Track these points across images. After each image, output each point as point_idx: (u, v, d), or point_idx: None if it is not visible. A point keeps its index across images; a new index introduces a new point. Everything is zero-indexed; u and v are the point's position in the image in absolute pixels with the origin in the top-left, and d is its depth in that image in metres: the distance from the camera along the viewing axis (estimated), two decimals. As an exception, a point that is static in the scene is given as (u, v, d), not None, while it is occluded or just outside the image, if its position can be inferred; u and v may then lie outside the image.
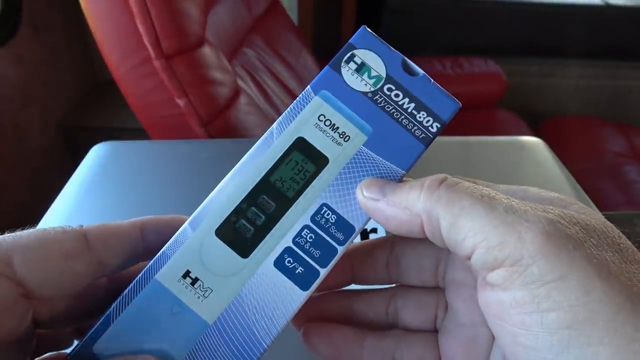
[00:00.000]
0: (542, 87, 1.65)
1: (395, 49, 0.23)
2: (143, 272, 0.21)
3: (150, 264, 0.21)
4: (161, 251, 0.21)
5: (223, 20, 0.92)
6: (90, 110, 1.43)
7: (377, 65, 0.22)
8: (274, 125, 0.22)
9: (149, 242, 0.22)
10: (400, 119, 0.22)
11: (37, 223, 0.50)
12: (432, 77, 0.23)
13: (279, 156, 0.22)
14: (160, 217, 0.22)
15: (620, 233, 0.18)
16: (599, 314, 0.16)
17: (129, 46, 0.72)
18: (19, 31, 1.19)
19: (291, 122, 0.22)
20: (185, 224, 0.21)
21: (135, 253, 0.21)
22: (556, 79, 1.64)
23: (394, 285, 0.25)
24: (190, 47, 0.75)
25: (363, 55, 0.23)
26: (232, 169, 0.22)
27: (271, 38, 1.09)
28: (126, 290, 0.21)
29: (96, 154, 0.60)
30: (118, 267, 0.21)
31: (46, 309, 0.21)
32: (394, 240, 0.24)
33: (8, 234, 0.19)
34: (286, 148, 0.22)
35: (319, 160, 0.22)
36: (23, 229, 0.20)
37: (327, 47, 1.51)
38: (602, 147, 1.34)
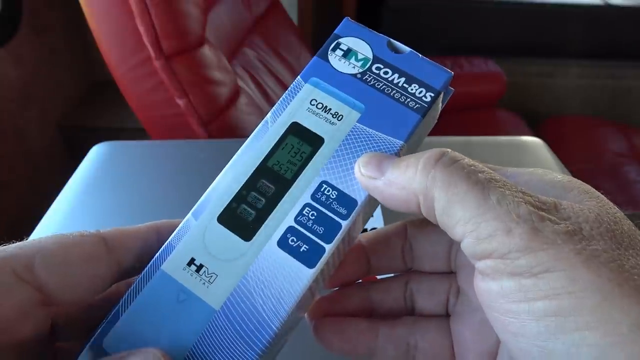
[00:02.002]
0: (542, 87, 1.65)
1: None
2: (149, 264, 0.21)
3: (156, 256, 0.21)
4: (166, 242, 0.21)
5: (223, 20, 0.92)
6: (90, 110, 1.43)
7: (363, 49, 0.23)
8: (268, 114, 0.23)
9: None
10: (392, 94, 0.22)
11: (37, 223, 0.50)
12: None
13: (274, 142, 0.22)
14: (176, 221, 0.22)
15: (617, 217, 0.18)
16: (585, 301, 0.16)
17: (128, 46, 0.72)
18: (19, 31, 1.19)
19: (284, 109, 0.23)
20: (189, 215, 0.22)
21: (153, 255, 0.21)
22: (556, 79, 1.64)
23: (407, 270, 0.25)
24: (190, 47, 0.75)
25: (348, 42, 0.23)
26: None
27: (271, 38, 1.09)
28: (134, 284, 0.21)
29: (96, 154, 0.60)
30: (136, 269, 0.21)
31: (66, 317, 0.20)
32: (406, 227, 0.24)
33: (28, 240, 0.19)
34: (281, 134, 0.22)
35: (315, 141, 0.22)
36: (22, 238, 0.20)
37: (327, 47, 1.50)
38: (602, 147, 1.34)
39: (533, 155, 0.63)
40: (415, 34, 1.62)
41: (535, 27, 1.63)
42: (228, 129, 0.79)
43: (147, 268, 0.21)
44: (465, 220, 0.18)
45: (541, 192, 0.19)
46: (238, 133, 0.79)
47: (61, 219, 0.50)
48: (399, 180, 0.19)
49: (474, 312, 0.23)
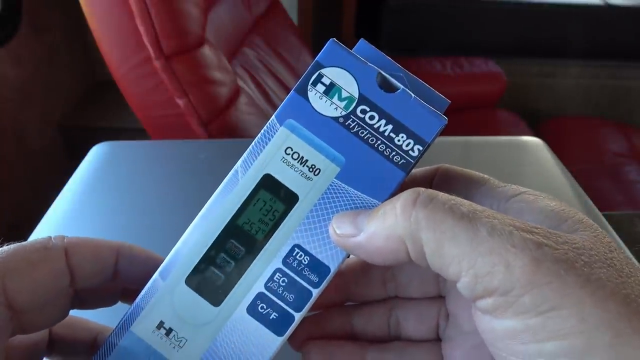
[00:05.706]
0: (542, 87, 1.65)
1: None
2: (119, 324, 0.21)
3: (125, 315, 0.21)
4: (135, 303, 0.21)
5: (223, 20, 0.92)
6: (90, 111, 1.43)
7: (349, 84, 0.20)
8: (238, 163, 0.21)
9: (119, 267, 0.22)
10: (376, 145, 0.20)
11: (37, 223, 0.50)
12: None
13: (245, 197, 0.21)
14: (137, 249, 0.22)
15: (612, 246, 0.18)
16: (597, 340, 0.15)
17: (129, 46, 0.72)
18: (19, 31, 1.19)
19: (256, 158, 0.21)
20: (156, 275, 0.21)
21: (105, 276, 0.21)
22: (556, 79, 1.64)
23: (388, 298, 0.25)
24: (190, 47, 0.75)
25: (332, 74, 0.20)
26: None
27: (271, 38, 1.09)
28: (105, 342, 0.21)
29: (96, 154, 0.60)
30: (86, 286, 0.21)
31: (18, 322, 0.21)
32: None
33: None
34: (252, 187, 0.21)
35: (289, 198, 0.20)
36: (9, 242, 0.20)
37: (327, 47, 1.50)
38: (602, 147, 1.34)
39: (533, 156, 0.63)
40: (415, 33, 1.62)
41: (535, 27, 1.64)
42: (228, 129, 0.79)
43: (117, 327, 0.21)
44: (459, 258, 0.17)
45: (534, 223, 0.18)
46: (238, 133, 0.79)
47: (61, 219, 0.50)
48: (380, 231, 0.18)
49: (465, 336, 0.22)
